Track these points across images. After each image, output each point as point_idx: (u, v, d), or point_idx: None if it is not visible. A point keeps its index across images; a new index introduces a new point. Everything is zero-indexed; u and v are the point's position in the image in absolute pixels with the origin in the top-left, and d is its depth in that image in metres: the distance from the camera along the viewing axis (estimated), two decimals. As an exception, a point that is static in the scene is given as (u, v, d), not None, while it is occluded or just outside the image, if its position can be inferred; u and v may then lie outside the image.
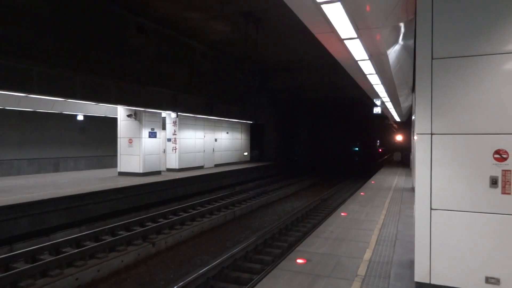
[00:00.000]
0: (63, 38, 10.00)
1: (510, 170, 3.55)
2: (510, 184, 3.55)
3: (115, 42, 11.94)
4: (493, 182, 3.60)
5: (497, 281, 3.59)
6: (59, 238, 8.65)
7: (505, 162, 3.57)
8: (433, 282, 3.84)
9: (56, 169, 18.86)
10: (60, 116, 18.08)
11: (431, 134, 3.87)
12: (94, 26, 11.12)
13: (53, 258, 7.06)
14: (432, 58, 3.87)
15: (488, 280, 3.63)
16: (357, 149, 52.13)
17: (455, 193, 3.77)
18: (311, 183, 21.87)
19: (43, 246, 7.76)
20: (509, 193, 3.56)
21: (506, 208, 3.57)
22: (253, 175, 21.43)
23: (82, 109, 16.88)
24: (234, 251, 7.63)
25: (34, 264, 6.69)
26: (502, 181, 3.58)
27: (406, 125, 27.06)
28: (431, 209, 3.85)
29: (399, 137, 36.13)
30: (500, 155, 3.59)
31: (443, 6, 3.80)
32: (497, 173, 3.59)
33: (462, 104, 3.75)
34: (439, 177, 3.83)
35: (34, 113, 16.45)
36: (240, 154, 24.32)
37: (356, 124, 44.94)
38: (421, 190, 3.91)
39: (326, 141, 41.52)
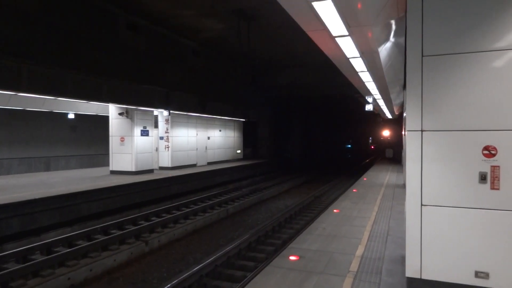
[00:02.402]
0: (53, 36, 9.89)
1: (498, 166, 3.60)
2: (498, 180, 3.60)
3: (106, 40, 11.84)
4: (482, 177, 3.65)
5: (486, 275, 3.65)
6: (51, 237, 8.58)
7: (494, 158, 3.61)
8: (424, 277, 3.88)
9: (47, 168, 18.67)
10: (50, 115, 17.89)
11: (422, 131, 3.90)
12: (84, 23, 11.00)
13: (45, 258, 7.00)
14: (422, 56, 3.90)
15: (477, 274, 3.68)
16: (349, 146, 52.40)
17: (445, 189, 3.81)
18: (304, 181, 21.95)
19: (35, 246, 7.69)
20: (497, 189, 3.61)
21: (495, 203, 3.62)
22: (246, 173, 21.43)
23: (73, 107, 16.72)
24: (227, 248, 7.65)
25: (25, 264, 6.63)
26: (491, 176, 3.62)
27: (398, 122, 27.25)
28: (421, 205, 3.89)
29: (391, 134, 36.26)
30: (489, 151, 3.64)
31: (433, 4, 3.83)
32: (486, 169, 3.64)
33: (452, 101, 3.79)
34: (430, 173, 3.87)
35: (24, 111, 16.25)
36: (233, 152, 24.30)
37: (349, 121, 45.17)
38: (412, 186, 3.95)
39: (319, 138, 41.65)
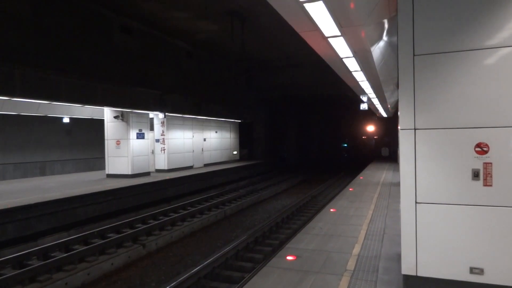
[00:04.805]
0: (46, 40, 9.87)
1: (491, 163, 3.64)
2: (491, 176, 3.64)
3: (100, 43, 11.83)
4: (475, 174, 3.68)
5: (480, 271, 3.68)
6: (48, 242, 8.54)
7: (486, 155, 3.65)
8: (420, 274, 3.91)
9: (42, 173, 18.57)
10: (45, 119, 17.79)
11: (415, 129, 3.94)
12: (78, 27, 10.99)
13: (42, 263, 6.97)
14: (414, 55, 3.93)
15: (472, 270, 3.71)
16: (346, 145, 52.42)
17: (439, 186, 3.84)
18: (301, 180, 21.99)
19: (31, 251, 7.65)
20: (490, 185, 3.64)
21: (488, 200, 3.66)
22: (243, 174, 21.45)
23: (68, 111, 16.63)
24: (225, 250, 7.65)
25: (22, 270, 6.60)
26: (483, 173, 3.66)
27: (394, 120, 27.28)
28: (416, 202, 3.92)
29: (382, 133, 35.75)
30: (481, 148, 3.67)
31: (423, 3, 3.87)
32: (479, 166, 3.68)
33: (444, 99, 3.83)
34: (423, 171, 3.90)
35: (18, 116, 16.15)
36: (230, 153, 24.30)
37: (345, 120, 45.14)
38: (406, 184, 3.98)
39: (315, 137, 41.68)
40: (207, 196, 14.58)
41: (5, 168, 16.94)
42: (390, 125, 31.94)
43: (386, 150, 31.20)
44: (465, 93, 3.74)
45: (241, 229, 10.84)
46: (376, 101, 15.82)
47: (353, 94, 16.39)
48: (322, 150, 42.71)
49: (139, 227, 9.91)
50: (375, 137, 38.05)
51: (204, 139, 21.00)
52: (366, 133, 40.10)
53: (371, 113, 27.01)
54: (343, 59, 6.75)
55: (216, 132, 22.50)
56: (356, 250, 5.77)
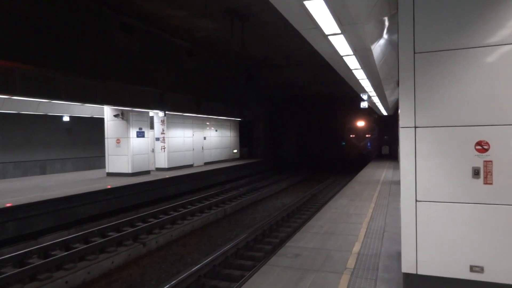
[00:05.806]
0: (45, 38, 9.84)
1: (491, 161, 3.63)
2: (491, 175, 3.63)
3: (99, 41, 11.81)
4: (475, 173, 3.67)
5: (481, 269, 3.68)
6: (48, 241, 8.55)
7: (486, 153, 3.64)
8: (420, 272, 3.91)
9: (42, 171, 18.57)
10: (45, 118, 17.78)
11: (415, 127, 3.92)
12: (77, 26, 10.97)
13: (42, 261, 6.98)
14: (414, 53, 3.91)
15: (472, 268, 3.71)
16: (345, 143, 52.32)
17: (439, 184, 3.83)
18: (301, 179, 21.98)
19: (31, 250, 7.66)
20: (490, 183, 3.63)
21: (488, 198, 3.65)
22: (243, 172, 21.44)
23: (68, 110, 16.63)
24: (225, 248, 7.66)
25: (23, 268, 6.61)
26: (483, 171, 3.65)
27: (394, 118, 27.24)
28: (416, 201, 3.91)
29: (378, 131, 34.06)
30: (481, 146, 3.66)
31: (424, 1, 3.85)
32: (479, 164, 3.66)
33: (445, 97, 3.81)
34: (424, 169, 3.89)
35: (18, 115, 16.14)
36: (230, 151, 24.29)
37: (344, 118, 45.06)
38: (406, 182, 3.97)
39: (314, 136, 41.68)
40: (207, 194, 14.58)
41: (5, 166, 16.94)
42: (388, 123, 31.73)
43: (386, 149, 31.21)
44: (466, 91, 3.72)
45: (241, 227, 10.84)
46: (376, 99, 15.80)
47: (353, 92, 16.38)
48: (322, 149, 42.69)
49: (139, 225, 9.91)
50: (367, 135, 34.22)
51: (204, 138, 20.99)
52: (355, 131, 34.30)
53: (370, 111, 26.94)
54: (343, 57, 6.73)
55: (216, 130, 22.50)
56: (356, 248, 5.77)
